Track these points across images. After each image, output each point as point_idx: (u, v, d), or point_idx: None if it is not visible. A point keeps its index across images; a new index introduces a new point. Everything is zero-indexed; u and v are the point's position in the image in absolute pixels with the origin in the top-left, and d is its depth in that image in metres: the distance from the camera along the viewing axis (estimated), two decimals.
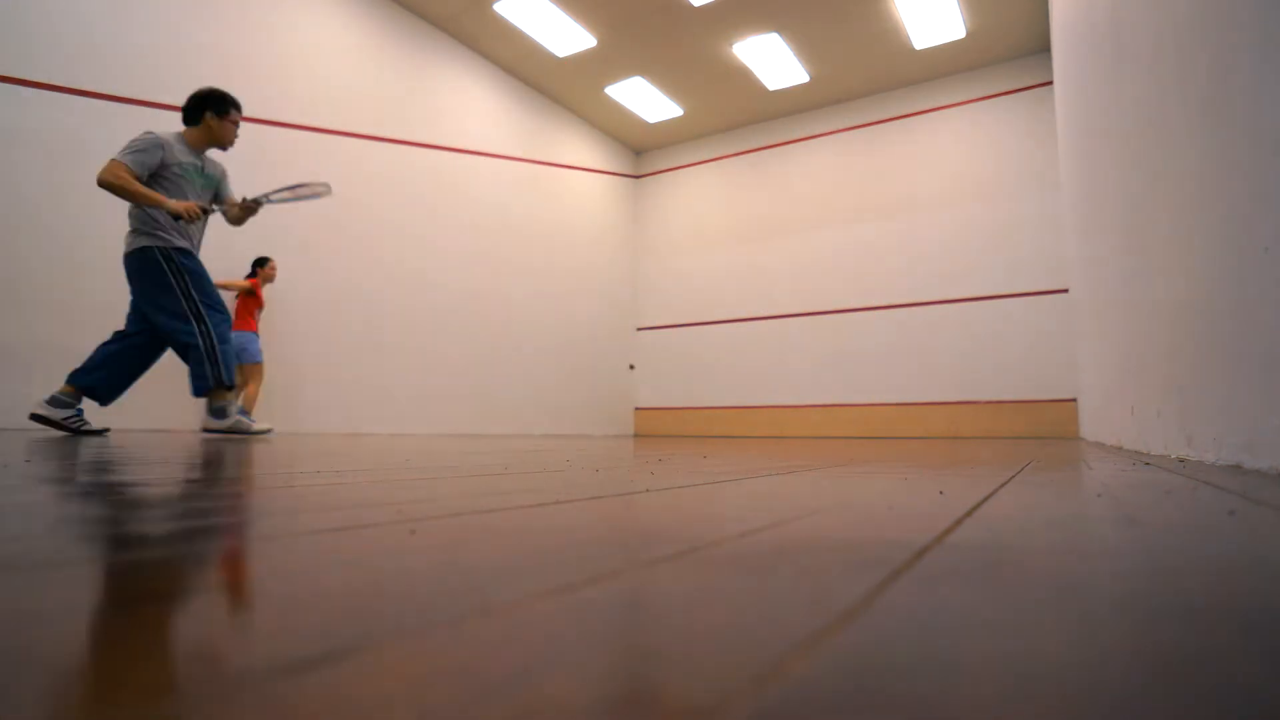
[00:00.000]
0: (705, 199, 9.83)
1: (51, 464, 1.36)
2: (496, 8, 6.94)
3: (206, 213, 3.59)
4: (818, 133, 9.05)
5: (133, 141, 3.46)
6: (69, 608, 0.33)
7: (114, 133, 4.82)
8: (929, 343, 7.99)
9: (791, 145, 9.23)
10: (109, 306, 4.64)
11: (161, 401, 4.83)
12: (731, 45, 7.60)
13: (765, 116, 9.33)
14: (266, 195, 3.79)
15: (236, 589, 0.38)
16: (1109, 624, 0.32)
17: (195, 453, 1.90)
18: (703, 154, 9.90)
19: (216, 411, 3.55)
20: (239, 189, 5.44)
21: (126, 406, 4.64)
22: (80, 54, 4.65)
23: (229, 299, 5.01)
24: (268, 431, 3.78)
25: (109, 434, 3.70)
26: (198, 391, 3.50)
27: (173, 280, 3.45)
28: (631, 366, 9.15)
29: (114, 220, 4.72)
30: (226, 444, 2.59)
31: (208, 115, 3.63)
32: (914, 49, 7.68)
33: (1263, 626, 0.31)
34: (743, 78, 8.27)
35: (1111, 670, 0.25)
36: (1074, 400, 7.09)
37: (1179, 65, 1.73)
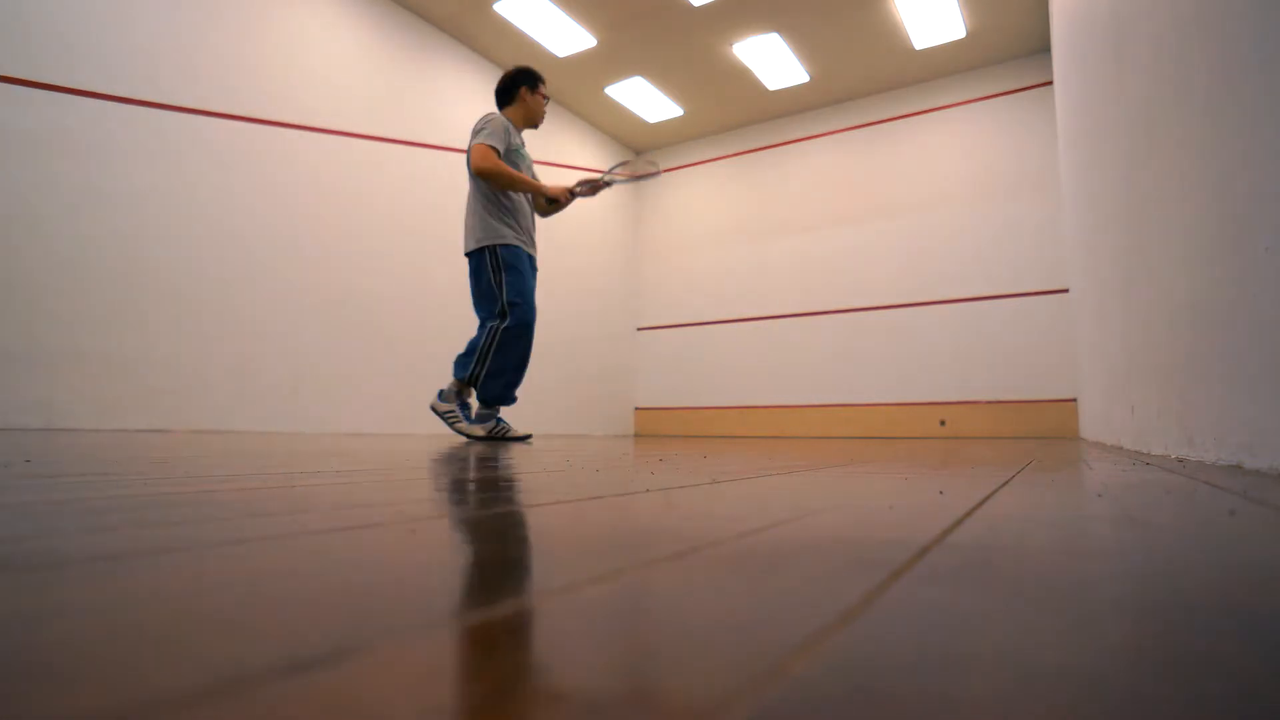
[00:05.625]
0: (705, 199, 9.83)
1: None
2: (496, 8, 6.94)
3: (575, 194, 3.65)
4: (818, 133, 9.05)
5: (486, 123, 3.46)
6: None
7: (114, 133, 4.82)
8: (929, 343, 7.99)
9: (791, 145, 9.23)
10: (109, 307, 4.64)
11: (156, 400, 4.83)
12: (731, 45, 7.60)
13: (765, 116, 9.32)
14: (607, 175, 3.74)
15: (237, 589, 0.38)
16: (1110, 624, 0.32)
17: (173, 453, 1.90)
18: (703, 154, 9.90)
19: (449, 402, 3.67)
20: (234, 188, 5.44)
21: (116, 406, 4.64)
22: (80, 54, 4.65)
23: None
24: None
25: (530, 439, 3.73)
26: (455, 374, 3.65)
27: (492, 278, 3.51)
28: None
29: (113, 221, 4.73)
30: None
31: (523, 90, 3.64)
32: (914, 49, 7.68)
33: (1263, 626, 0.31)
34: (743, 78, 8.27)
35: (1112, 671, 0.25)
36: (1074, 400, 7.09)
37: (1179, 64, 1.73)
